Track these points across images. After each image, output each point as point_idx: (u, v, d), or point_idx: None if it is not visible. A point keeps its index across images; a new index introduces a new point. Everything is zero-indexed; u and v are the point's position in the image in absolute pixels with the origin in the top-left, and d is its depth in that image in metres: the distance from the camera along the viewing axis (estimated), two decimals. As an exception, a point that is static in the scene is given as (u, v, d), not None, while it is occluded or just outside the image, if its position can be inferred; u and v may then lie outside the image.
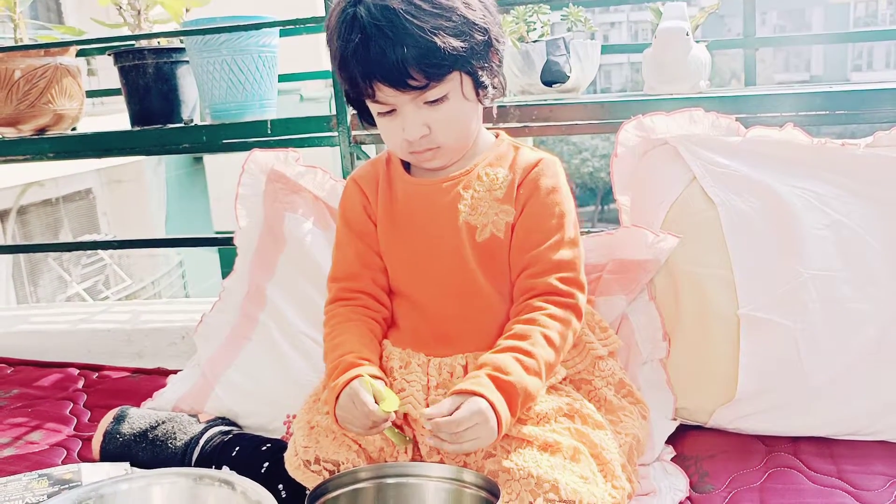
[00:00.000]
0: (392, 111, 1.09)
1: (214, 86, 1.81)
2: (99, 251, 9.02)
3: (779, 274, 1.28)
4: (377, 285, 1.22)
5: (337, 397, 1.07)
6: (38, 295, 8.64)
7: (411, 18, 1.02)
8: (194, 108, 2.00)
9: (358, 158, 1.70)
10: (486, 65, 1.11)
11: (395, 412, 1.05)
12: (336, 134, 1.67)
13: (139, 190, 9.80)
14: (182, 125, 1.93)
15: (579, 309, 1.13)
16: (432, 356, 1.16)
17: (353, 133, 1.67)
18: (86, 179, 9.40)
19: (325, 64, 1.77)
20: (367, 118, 1.17)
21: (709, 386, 1.30)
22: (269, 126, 1.70)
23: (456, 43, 1.04)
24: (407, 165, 1.23)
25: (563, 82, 1.70)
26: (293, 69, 2.29)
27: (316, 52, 1.69)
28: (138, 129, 1.92)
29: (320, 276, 1.46)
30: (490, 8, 1.12)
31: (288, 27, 1.79)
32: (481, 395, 0.99)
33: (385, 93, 1.06)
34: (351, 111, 1.68)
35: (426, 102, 1.07)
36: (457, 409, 0.99)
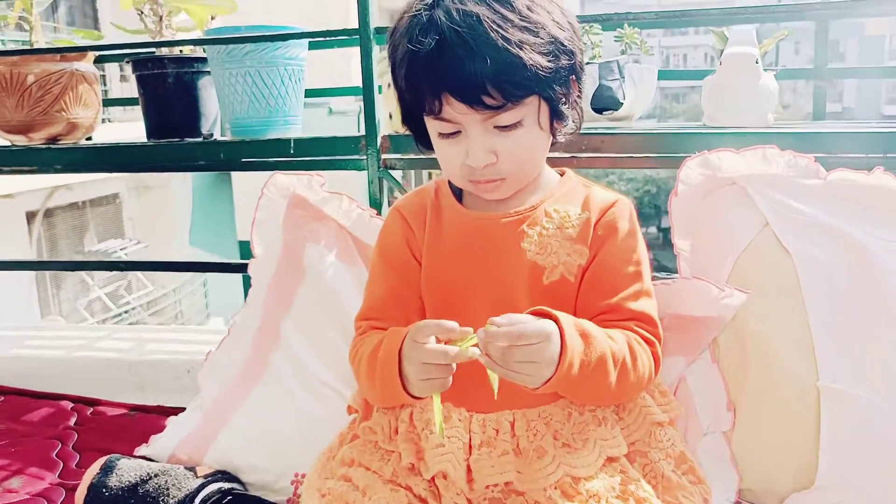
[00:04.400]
0: (457, 133, 0.98)
1: (236, 99, 1.68)
2: (123, 255, 9.03)
3: (866, 339, 1.11)
4: None
5: (400, 354, 0.96)
6: (61, 298, 8.64)
7: (497, 28, 0.91)
8: (215, 121, 1.87)
9: (400, 187, 1.55)
10: (567, 92, 1.00)
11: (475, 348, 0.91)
12: (364, 157, 1.53)
13: (166, 196, 9.81)
14: (201, 140, 1.80)
15: (658, 361, 1.04)
16: (475, 411, 1.04)
17: (383, 157, 1.53)
18: (113, 184, 9.42)
19: (355, 79, 1.65)
20: (422, 139, 1.07)
21: (781, 467, 1.13)
22: (291, 145, 1.56)
23: (542, 62, 0.94)
24: (459, 196, 1.10)
25: (616, 109, 1.54)
26: (321, 82, 2.15)
27: (346, 65, 1.55)
28: (153, 142, 1.79)
29: (342, 315, 1.32)
30: (577, 32, 1.02)
31: (317, 39, 1.65)
32: (556, 319, 0.92)
33: (454, 109, 0.95)
34: (383, 132, 1.55)
35: (497, 126, 0.97)
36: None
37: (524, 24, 0.94)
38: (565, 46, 0.98)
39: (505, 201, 1.08)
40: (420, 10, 0.96)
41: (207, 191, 10.50)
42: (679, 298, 1.19)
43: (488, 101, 0.93)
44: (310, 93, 1.79)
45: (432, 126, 1.02)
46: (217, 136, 1.86)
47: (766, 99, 1.51)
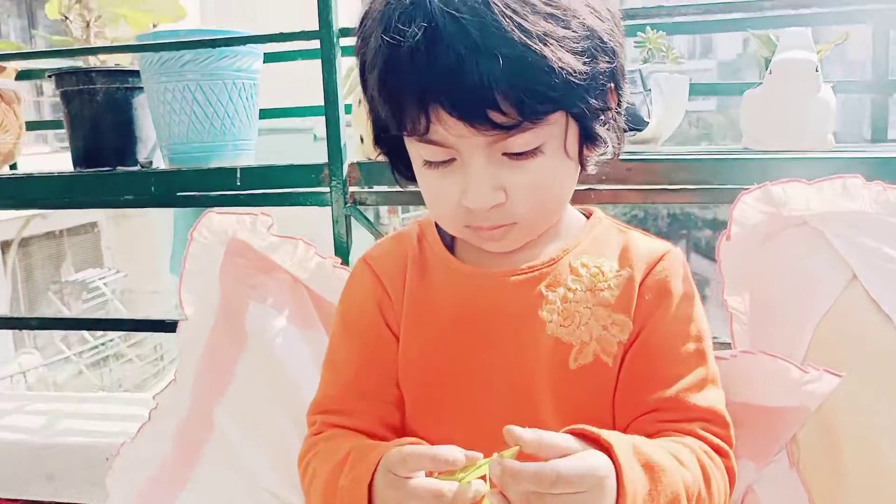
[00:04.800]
0: (450, 161, 0.71)
1: (173, 120, 1.37)
2: (101, 285, 8.72)
3: None
4: (385, 427, 0.80)
5: (370, 490, 0.66)
6: (37, 330, 8.31)
7: (512, 14, 0.64)
8: (155, 147, 1.57)
9: (373, 228, 1.24)
10: (604, 106, 0.72)
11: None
12: (328, 190, 1.22)
13: (146, 225, 9.54)
14: (134, 170, 1.49)
15: (734, 478, 0.74)
16: None
17: (351, 189, 1.22)
18: (92, 212, 9.13)
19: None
20: (400, 168, 0.79)
21: None
22: (238, 175, 1.26)
23: (575, 64, 0.66)
24: (451, 244, 0.82)
25: (640, 129, 1.25)
26: (300, 101, 1.81)
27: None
28: (78, 172, 1.48)
29: (293, 397, 1.02)
30: (619, 24, 0.73)
31: (270, 47, 1.35)
32: (609, 450, 0.62)
33: (448, 128, 0.68)
34: (352, 159, 1.25)
35: (508, 154, 0.69)
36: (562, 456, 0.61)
37: (550, 9, 0.66)
38: (605, 43, 0.70)
39: (514, 252, 0.78)
40: None
41: (189, 218, 10.19)
42: (745, 381, 0.89)
43: (497, 118, 0.65)
44: (286, 112, 1.49)
45: (416, 151, 0.73)
46: (159, 164, 1.55)
47: (826, 116, 1.22)
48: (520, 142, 0.68)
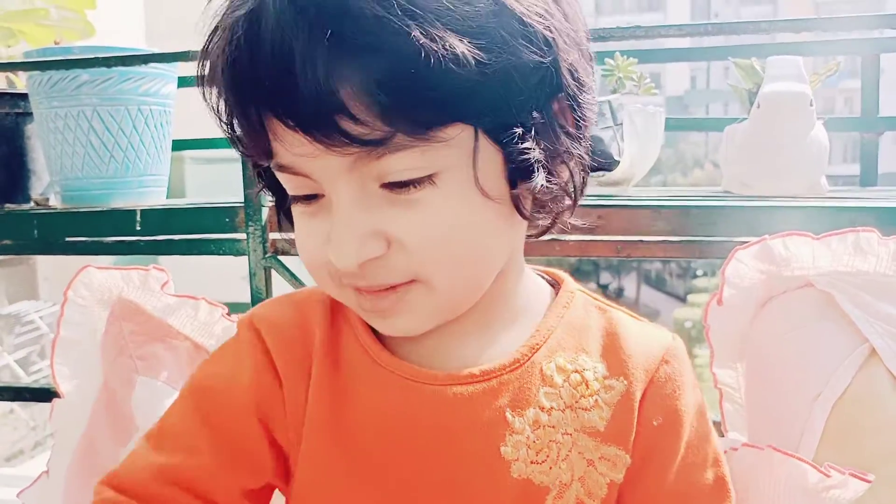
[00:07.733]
0: (317, 197, 0.51)
1: (66, 151, 1.17)
2: (36, 319, 8.30)
3: None
4: None
5: None
6: None
7: None
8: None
9: (299, 282, 1.05)
10: (542, 123, 0.49)
11: None
12: (244, 237, 1.03)
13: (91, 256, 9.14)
14: (27, 207, 1.28)
15: None
16: None
17: (271, 236, 1.03)
18: (28, 242, 8.74)
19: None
20: (286, 206, 0.58)
21: None
22: (137, 218, 1.05)
23: (463, 50, 0.44)
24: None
25: (610, 170, 1.09)
26: None
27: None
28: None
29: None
30: (561, 3, 0.51)
31: (170, 69, 1.16)
32: None
33: (288, 145, 0.48)
34: (270, 200, 1.05)
35: (388, 185, 0.49)
36: None
37: None
38: (528, 26, 0.48)
39: (463, 340, 0.57)
40: None
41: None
42: (749, 484, 0.71)
43: (351, 127, 0.45)
44: (180, 144, 1.30)
45: (282, 182, 0.54)
46: (56, 202, 1.34)
47: (820, 157, 1.07)
48: (398, 165, 0.47)
